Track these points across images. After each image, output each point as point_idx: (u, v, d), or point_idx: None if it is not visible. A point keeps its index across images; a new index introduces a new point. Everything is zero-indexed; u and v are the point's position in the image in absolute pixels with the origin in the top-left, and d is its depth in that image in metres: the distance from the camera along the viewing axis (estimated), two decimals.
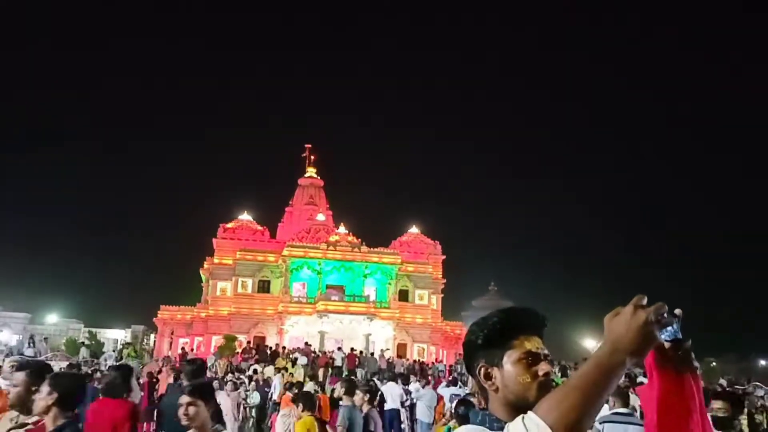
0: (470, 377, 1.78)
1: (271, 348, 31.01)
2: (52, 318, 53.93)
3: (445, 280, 49.70)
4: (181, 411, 3.45)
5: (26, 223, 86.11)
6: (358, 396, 7.96)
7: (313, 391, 11.53)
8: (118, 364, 14.84)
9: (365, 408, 7.98)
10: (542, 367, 1.62)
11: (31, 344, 30.56)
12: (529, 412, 1.39)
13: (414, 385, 15.96)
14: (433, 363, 33.73)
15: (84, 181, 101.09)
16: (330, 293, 42.10)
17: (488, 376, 1.66)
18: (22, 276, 70.95)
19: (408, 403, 14.85)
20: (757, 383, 15.59)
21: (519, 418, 1.40)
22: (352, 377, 17.23)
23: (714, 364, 41.17)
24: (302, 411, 7.47)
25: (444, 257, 50.18)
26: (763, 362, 43.84)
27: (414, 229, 50.80)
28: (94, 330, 42.14)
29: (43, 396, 3.40)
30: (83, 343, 34.91)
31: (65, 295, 57.03)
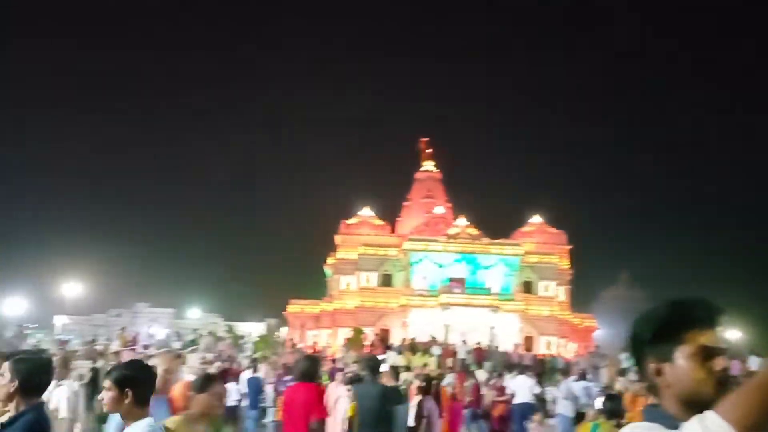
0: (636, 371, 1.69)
1: (390, 343, 31.36)
2: (195, 312, 58.00)
3: (572, 271, 47.96)
4: None
5: (171, 227, 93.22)
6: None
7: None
8: (308, 354, 15.66)
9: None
10: (718, 363, 1.53)
11: (178, 338, 33.10)
12: (707, 412, 1.32)
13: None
14: (551, 356, 32.64)
15: (219, 190, 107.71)
16: (451, 286, 41.99)
17: (659, 372, 1.58)
18: (168, 274, 76.87)
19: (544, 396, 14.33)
20: None
21: (695, 419, 1.34)
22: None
23: None
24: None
25: (570, 247, 48.43)
26: None
27: (537, 219, 49.41)
28: (231, 323, 44.71)
29: (5, 383, 3.21)
30: (218, 336, 37.13)
31: (205, 292, 61.04)
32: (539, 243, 47.16)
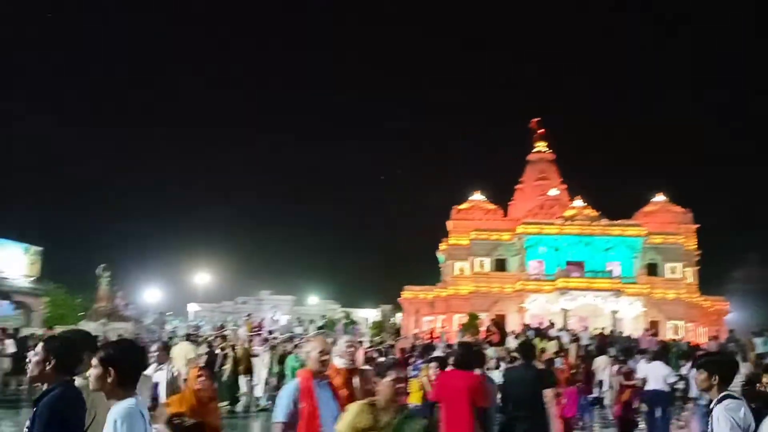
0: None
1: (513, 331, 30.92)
2: (313, 300, 60.14)
3: (700, 251, 45.11)
4: None
5: (286, 218, 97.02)
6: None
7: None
8: (461, 341, 15.71)
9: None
10: None
11: (300, 323, 34.53)
12: None
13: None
14: (673, 340, 30.81)
15: (333, 177, 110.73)
16: (569, 270, 40.81)
17: None
18: (289, 264, 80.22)
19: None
20: None
21: None
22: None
23: None
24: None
25: (697, 226, 45.54)
26: None
27: (660, 198, 46.79)
28: (348, 310, 45.98)
29: (39, 360, 3.38)
30: (332, 321, 38.30)
31: (324, 279, 63.10)
32: (663, 223, 44.73)
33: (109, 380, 3.02)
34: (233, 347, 16.27)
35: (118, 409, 2.97)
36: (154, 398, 6.87)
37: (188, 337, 17.05)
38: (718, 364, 4.12)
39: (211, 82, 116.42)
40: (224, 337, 18.59)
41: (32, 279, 40.13)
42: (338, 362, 5.00)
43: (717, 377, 3.96)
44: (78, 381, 3.57)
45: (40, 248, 41.31)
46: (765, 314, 47.91)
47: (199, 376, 5.29)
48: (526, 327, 30.60)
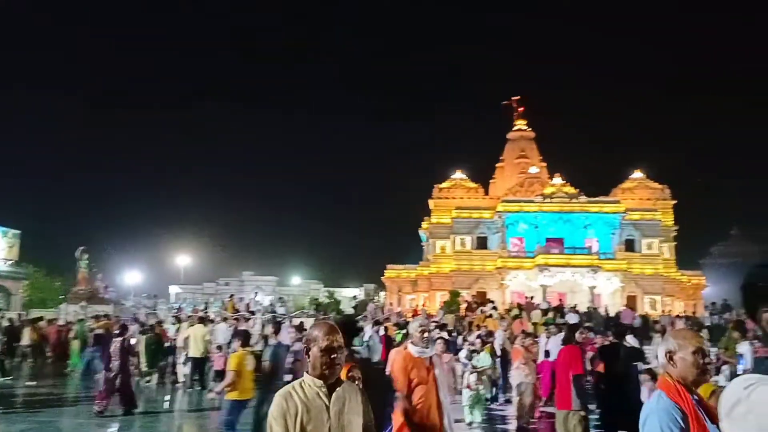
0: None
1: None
2: (296, 280, 60.19)
3: (677, 227, 45.79)
4: None
5: (268, 199, 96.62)
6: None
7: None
8: (563, 321, 16.50)
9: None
10: None
11: (283, 304, 34.60)
12: None
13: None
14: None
15: (314, 159, 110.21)
16: (549, 246, 41.23)
17: None
18: (271, 244, 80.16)
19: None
20: None
21: None
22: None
23: None
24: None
25: (674, 202, 46.17)
26: None
27: (638, 174, 47.30)
28: (332, 289, 46.13)
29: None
30: (318, 301, 38.42)
31: (307, 259, 63.14)
32: (641, 199, 45.31)
33: None
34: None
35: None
36: None
37: (201, 320, 17.18)
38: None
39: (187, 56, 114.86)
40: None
41: (11, 262, 39.72)
42: (413, 350, 5.30)
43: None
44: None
45: (18, 231, 40.83)
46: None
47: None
48: (549, 304, 30.95)
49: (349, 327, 5.40)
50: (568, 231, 42.32)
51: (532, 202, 42.91)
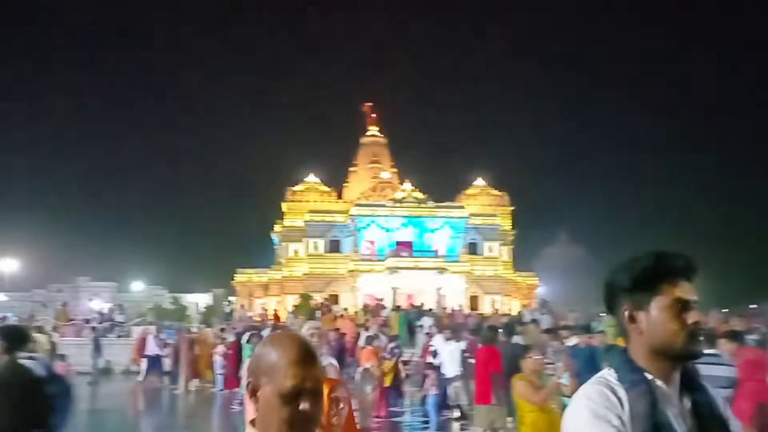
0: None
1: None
2: (138, 285, 56.86)
3: (514, 231, 49.17)
4: None
5: (106, 197, 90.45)
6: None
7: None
8: (490, 325, 15.34)
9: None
10: (692, 316, 1.57)
11: (122, 311, 32.47)
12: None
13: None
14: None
15: (159, 155, 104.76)
16: (399, 250, 42.46)
17: (633, 319, 1.62)
18: (109, 247, 74.91)
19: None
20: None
21: None
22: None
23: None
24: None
25: (512, 208, 49.55)
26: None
27: (480, 182, 50.21)
28: (177, 295, 44.12)
29: None
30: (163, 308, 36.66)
31: (149, 264, 59.81)
32: (483, 205, 48.10)
33: None
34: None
35: None
36: None
37: (38, 330, 15.49)
38: None
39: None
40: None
41: None
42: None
43: None
44: None
45: None
46: (570, 287, 53.54)
47: None
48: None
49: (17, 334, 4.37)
50: (418, 235, 43.90)
51: (383, 206, 43.99)
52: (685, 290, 1.59)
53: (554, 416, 5.43)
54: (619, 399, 1.52)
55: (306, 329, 4.67)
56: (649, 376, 1.57)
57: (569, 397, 4.77)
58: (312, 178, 48.91)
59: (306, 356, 1.47)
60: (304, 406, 1.42)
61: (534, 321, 16.40)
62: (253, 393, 1.49)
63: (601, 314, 22.76)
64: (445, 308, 33.24)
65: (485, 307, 40.47)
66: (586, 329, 10.42)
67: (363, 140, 52.73)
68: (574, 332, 10.33)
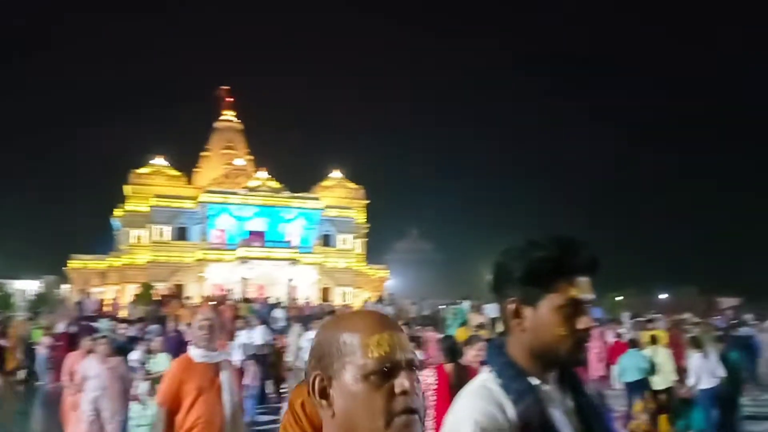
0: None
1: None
2: None
3: (368, 225, 49.91)
4: None
5: None
6: None
7: None
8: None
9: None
10: (583, 321, 1.37)
11: None
12: None
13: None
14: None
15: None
16: (251, 239, 41.54)
17: (518, 314, 1.41)
18: None
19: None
20: (656, 314, 16.82)
21: None
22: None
23: (619, 298, 43.77)
24: None
25: (367, 202, 50.24)
26: (662, 296, 47.04)
27: (337, 174, 50.37)
28: (3, 281, 39.99)
29: None
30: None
31: None
32: (339, 197, 48.32)
33: None
34: None
35: None
36: None
37: None
38: None
39: None
40: None
41: None
42: (195, 354, 4.21)
43: None
44: None
45: None
46: (418, 281, 55.45)
47: None
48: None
49: None
50: (271, 225, 43.16)
51: (235, 194, 42.76)
52: (583, 289, 1.38)
53: None
54: (506, 415, 1.33)
55: (199, 319, 4.22)
56: (534, 381, 1.38)
57: None
58: (160, 161, 46.33)
59: (388, 321, 1.11)
60: (401, 384, 1.03)
61: None
62: (323, 393, 1.09)
63: (441, 306, 23.72)
64: (295, 300, 32.97)
65: (336, 299, 40.73)
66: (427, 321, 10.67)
67: (217, 125, 50.85)
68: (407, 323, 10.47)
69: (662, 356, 9.28)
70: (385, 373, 1.04)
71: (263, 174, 45.05)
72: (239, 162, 48.11)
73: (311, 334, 12.43)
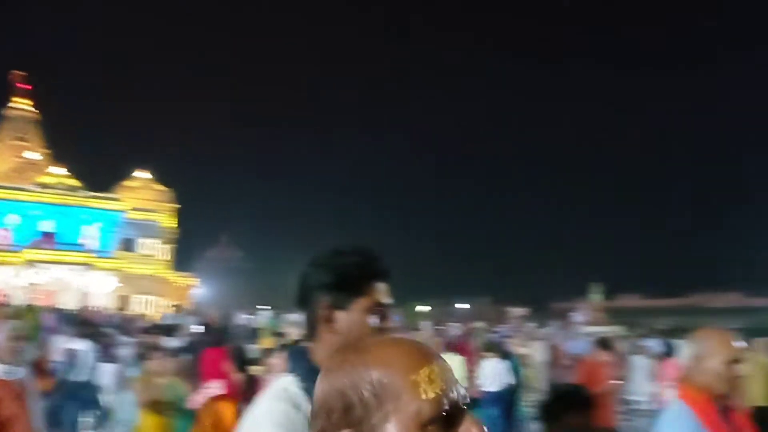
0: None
1: None
2: None
3: (178, 230, 47.71)
4: None
5: None
6: None
7: None
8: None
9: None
10: (387, 322, 1.50)
11: None
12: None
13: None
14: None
15: None
16: (42, 241, 37.87)
17: (329, 318, 1.48)
18: None
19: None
20: (454, 323, 18.16)
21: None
22: None
23: (420, 308, 45.88)
24: None
25: (178, 206, 48.00)
26: (460, 305, 50.60)
27: (143, 174, 47.34)
28: None
29: None
30: None
31: None
32: (144, 200, 45.59)
33: None
34: None
35: None
36: None
37: None
38: None
39: None
40: None
41: None
42: None
43: None
44: None
45: None
46: (227, 289, 54.05)
47: None
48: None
49: None
50: (66, 225, 39.66)
51: (26, 190, 38.78)
52: (384, 293, 1.51)
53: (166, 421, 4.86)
54: (304, 416, 1.37)
55: (5, 333, 3.58)
56: None
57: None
58: None
59: (428, 348, 0.82)
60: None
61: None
62: None
63: (243, 316, 23.43)
64: (87, 308, 30.50)
65: (136, 308, 38.37)
66: (166, 330, 10.34)
67: (7, 112, 45.70)
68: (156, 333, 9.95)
69: (455, 362, 10.08)
70: (445, 419, 0.77)
71: (59, 170, 41.25)
72: (32, 155, 43.61)
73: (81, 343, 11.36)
